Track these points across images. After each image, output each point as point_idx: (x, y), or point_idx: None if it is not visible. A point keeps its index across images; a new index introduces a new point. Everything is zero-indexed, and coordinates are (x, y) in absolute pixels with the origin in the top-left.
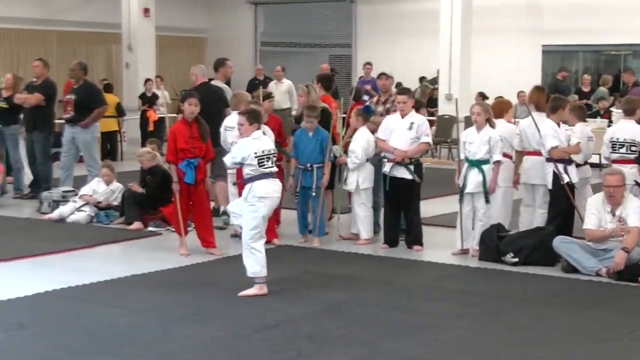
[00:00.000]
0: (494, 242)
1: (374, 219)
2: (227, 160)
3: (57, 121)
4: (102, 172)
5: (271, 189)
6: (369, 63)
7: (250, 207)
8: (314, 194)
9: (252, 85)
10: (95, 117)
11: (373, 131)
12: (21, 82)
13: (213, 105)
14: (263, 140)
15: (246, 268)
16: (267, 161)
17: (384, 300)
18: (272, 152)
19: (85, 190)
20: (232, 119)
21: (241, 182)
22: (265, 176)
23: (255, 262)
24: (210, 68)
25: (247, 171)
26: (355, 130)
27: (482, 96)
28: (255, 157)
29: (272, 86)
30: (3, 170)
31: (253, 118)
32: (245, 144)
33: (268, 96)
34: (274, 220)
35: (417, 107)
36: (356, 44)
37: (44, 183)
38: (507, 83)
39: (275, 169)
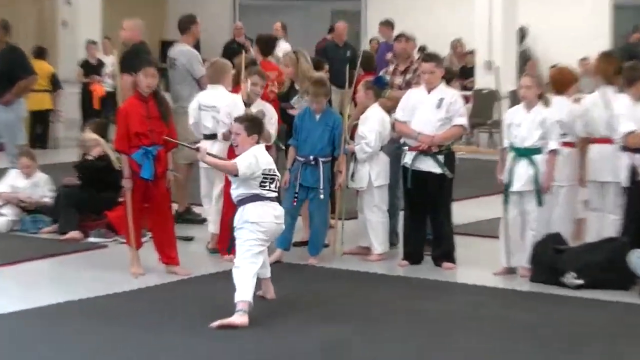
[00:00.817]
0: (550, 258)
1: (390, 226)
2: (242, 165)
3: None
4: (20, 161)
5: (267, 213)
6: (387, 22)
7: (240, 231)
8: (321, 196)
9: (230, 51)
10: (20, 91)
11: (389, 110)
12: None
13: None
14: (267, 157)
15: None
16: (271, 183)
17: (403, 337)
18: (276, 174)
19: (2, 188)
20: (208, 96)
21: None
22: (261, 198)
23: (241, 285)
24: (173, 27)
25: (240, 190)
26: (364, 109)
27: (534, 65)
28: (262, 174)
29: None
30: None
31: (253, 127)
32: (261, 153)
33: (252, 64)
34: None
35: (448, 79)
36: None
37: None
38: (566, 48)
39: (275, 194)
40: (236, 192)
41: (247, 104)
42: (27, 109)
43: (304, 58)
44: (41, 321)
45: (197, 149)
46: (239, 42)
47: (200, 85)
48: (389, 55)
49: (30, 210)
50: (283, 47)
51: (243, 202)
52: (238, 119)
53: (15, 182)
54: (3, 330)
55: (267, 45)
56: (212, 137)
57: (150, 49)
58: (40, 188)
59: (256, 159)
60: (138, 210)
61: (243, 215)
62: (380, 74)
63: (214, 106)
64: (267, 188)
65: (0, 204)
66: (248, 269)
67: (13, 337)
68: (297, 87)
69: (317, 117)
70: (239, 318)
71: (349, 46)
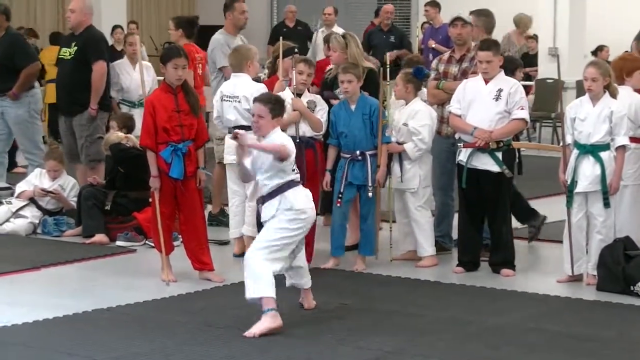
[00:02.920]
0: (620, 265)
1: (445, 230)
2: (290, 146)
3: None
4: (47, 163)
5: (308, 199)
6: (433, 3)
7: (275, 220)
8: (370, 194)
9: (279, 35)
10: (26, 81)
11: (443, 102)
12: None
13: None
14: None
15: (246, 289)
16: (294, 165)
17: (459, 349)
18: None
19: (23, 186)
20: (230, 85)
21: None
22: (297, 184)
23: (258, 278)
24: (202, 11)
25: (276, 180)
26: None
27: (602, 52)
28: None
29: (319, 36)
30: None
31: (279, 109)
32: (287, 139)
33: (291, 51)
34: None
35: (512, 69)
36: None
37: None
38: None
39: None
40: (271, 182)
41: (297, 94)
42: (42, 101)
43: (354, 42)
44: (68, 330)
45: (236, 135)
46: (289, 27)
47: (224, 76)
48: (432, 43)
49: (52, 212)
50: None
51: (281, 189)
52: (261, 100)
53: (38, 182)
54: (28, 339)
55: (191, 27)
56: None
57: None
58: (65, 192)
59: (288, 140)
60: (168, 212)
61: (284, 203)
62: (433, 62)
63: (236, 96)
64: (295, 171)
65: (21, 205)
66: (272, 266)
67: (39, 347)
68: None
69: (353, 107)
70: (273, 320)
71: (394, 31)
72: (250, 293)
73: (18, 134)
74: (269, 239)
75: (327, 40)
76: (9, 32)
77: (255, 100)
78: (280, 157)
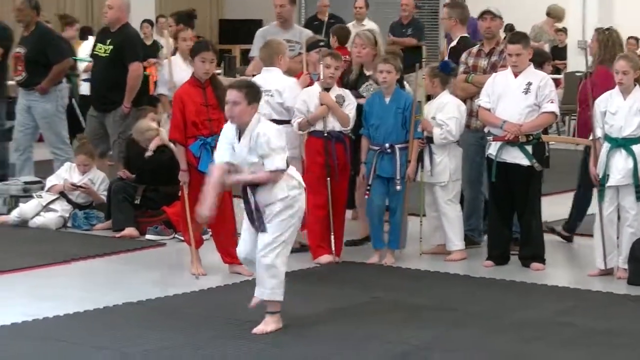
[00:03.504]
0: None
1: (474, 223)
2: (282, 157)
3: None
4: (77, 158)
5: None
6: None
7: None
8: (398, 187)
9: (312, 29)
10: (55, 77)
11: (472, 96)
12: None
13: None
14: None
15: (264, 288)
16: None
17: (489, 343)
18: None
19: (53, 180)
20: (262, 79)
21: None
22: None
23: (282, 281)
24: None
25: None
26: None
27: (636, 43)
28: None
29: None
30: None
31: (254, 94)
32: (275, 129)
33: (316, 44)
34: (324, 225)
35: (540, 62)
36: None
37: None
38: None
39: None
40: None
41: (326, 89)
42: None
43: (382, 40)
44: (97, 324)
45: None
46: (322, 20)
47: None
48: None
49: (82, 205)
50: (369, 27)
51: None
52: (234, 86)
53: (69, 176)
54: (58, 333)
55: (190, 20)
56: None
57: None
58: (95, 186)
59: (281, 135)
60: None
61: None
62: (462, 56)
63: (269, 90)
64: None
65: (52, 199)
66: (284, 268)
67: (69, 341)
68: (366, 72)
69: (387, 100)
70: (279, 322)
71: (412, 24)
72: (274, 296)
73: (45, 129)
74: (281, 237)
75: (337, 33)
76: (39, 26)
77: (229, 87)
78: (270, 182)
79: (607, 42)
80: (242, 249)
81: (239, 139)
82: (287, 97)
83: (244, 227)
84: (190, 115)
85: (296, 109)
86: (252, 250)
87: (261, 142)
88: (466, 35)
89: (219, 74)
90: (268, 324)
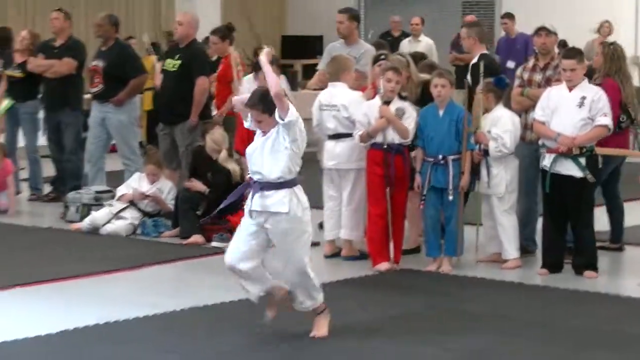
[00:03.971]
0: None
1: (529, 233)
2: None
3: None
4: (146, 168)
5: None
6: (509, 14)
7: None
8: (450, 197)
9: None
10: (132, 91)
11: (527, 109)
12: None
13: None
14: None
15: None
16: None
17: (544, 350)
18: None
19: (123, 190)
20: (330, 95)
21: None
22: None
23: (318, 284)
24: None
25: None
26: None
27: None
28: None
29: (404, 45)
30: (14, 170)
31: (270, 104)
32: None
33: (377, 59)
34: (384, 233)
35: (591, 76)
36: None
37: (73, 180)
38: None
39: None
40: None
41: (386, 102)
42: (141, 109)
43: (412, 62)
44: (165, 328)
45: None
46: (395, 36)
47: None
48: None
49: (151, 213)
50: (425, 42)
51: (287, 184)
52: (251, 105)
53: (138, 185)
54: (131, 336)
55: (231, 33)
56: (335, 137)
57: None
58: (163, 195)
59: (302, 131)
60: None
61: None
62: (517, 70)
63: (335, 105)
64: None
65: (121, 208)
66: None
67: (137, 344)
68: (403, 93)
69: (441, 112)
70: (327, 317)
71: None
72: (319, 301)
73: (118, 139)
74: (306, 258)
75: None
76: (117, 42)
77: (249, 106)
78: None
79: (612, 55)
80: (234, 257)
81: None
82: (353, 111)
83: (242, 238)
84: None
85: (357, 121)
86: (244, 260)
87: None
88: (486, 52)
89: None
90: (322, 325)
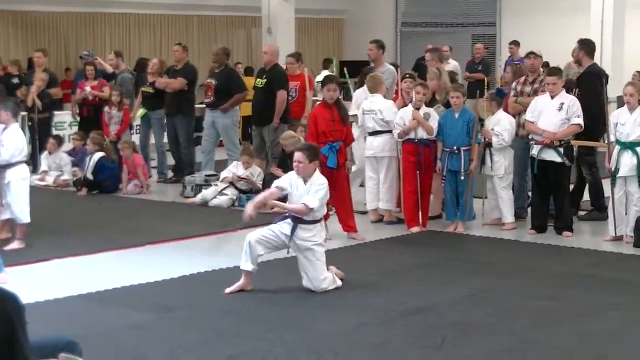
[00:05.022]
0: None
1: (521, 203)
2: (318, 201)
3: (197, 105)
4: (242, 157)
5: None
6: (515, 42)
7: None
8: (462, 177)
9: (418, 69)
10: (235, 102)
11: (520, 112)
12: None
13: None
14: None
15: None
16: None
17: (532, 289)
18: None
19: (225, 174)
20: (370, 103)
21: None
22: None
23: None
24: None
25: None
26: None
27: (637, 76)
28: None
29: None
30: (143, 163)
31: (314, 155)
32: (323, 181)
33: (404, 77)
34: (415, 205)
35: (568, 88)
36: (501, 23)
37: (188, 167)
38: None
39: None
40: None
41: (416, 108)
42: (240, 115)
43: (445, 73)
44: (257, 273)
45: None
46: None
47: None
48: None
49: (245, 191)
50: (452, 64)
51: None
52: (299, 149)
53: (235, 170)
54: (230, 279)
55: (300, 56)
56: (374, 133)
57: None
58: (254, 177)
59: (324, 183)
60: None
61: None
62: (513, 85)
63: (373, 110)
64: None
65: (224, 187)
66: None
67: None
68: (437, 97)
69: (457, 115)
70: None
71: (482, 62)
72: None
73: (224, 137)
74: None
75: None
76: (228, 67)
77: (296, 149)
78: (301, 215)
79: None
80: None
81: (304, 183)
82: (387, 114)
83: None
84: (320, 127)
85: (395, 123)
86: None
87: (313, 189)
88: (452, 70)
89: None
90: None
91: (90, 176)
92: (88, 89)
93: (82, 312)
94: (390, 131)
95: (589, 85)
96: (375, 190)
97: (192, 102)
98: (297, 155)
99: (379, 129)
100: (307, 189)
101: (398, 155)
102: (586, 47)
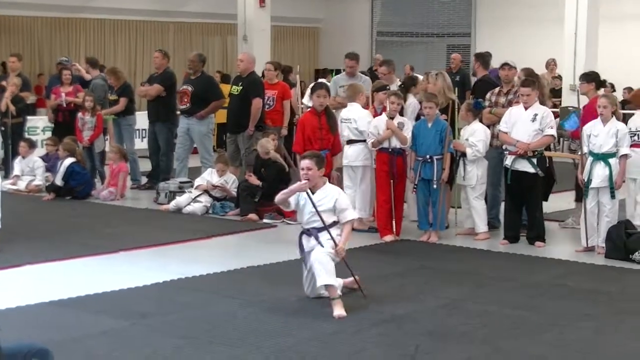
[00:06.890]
0: (622, 240)
1: (495, 213)
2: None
3: None
4: (217, 165)
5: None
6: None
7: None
8: (435, 186)
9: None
10: (212, 110)
11: (494, 123)
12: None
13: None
14: None
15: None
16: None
17: (505, 298)
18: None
19: (199, 181)
20: (347, 111)
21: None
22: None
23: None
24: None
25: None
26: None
27: (612, 88)
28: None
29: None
30: (127, 170)
31: (321, 162)
32: (338, 191)
33: (383, 88)
34: (388, 214)
35: (541, 100)
36: (475, 34)
37: (164, 174)
38: (636, 73)
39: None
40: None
41: (390, 117)
42: (215, 122)
43: (442, 78)
44: (230, 281)
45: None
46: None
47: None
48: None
49: (219, 198)
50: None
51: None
52: (308, 157)
53: (210, 178)
54: (205, 286)
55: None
56: (349, 142)
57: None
58: (228, 185)
59: (339, 192)
60: None
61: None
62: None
63: (349, 118)
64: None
65: (198, 194)
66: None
67: (212, 292)
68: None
69: (430, 125)
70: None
71: (460, 72)
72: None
73: (198, 144)
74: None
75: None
76: (204, 73)
77: (303, 157)
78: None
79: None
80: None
81: (313, 193)
82: (360, 123)
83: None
84: (307, 134)
85: (369, 132)
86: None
87: (336, 201)
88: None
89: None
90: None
91: (59, 182)
92: (63, 95)
93: (54, 319)
94: (364, 140)
95: (483, 92)
96: (352, 198)
97: (171, 108)
98: (306, 163)
99: (353, 137)
100: (320, 198)
101: (372, 165)
102: (481, 59)
